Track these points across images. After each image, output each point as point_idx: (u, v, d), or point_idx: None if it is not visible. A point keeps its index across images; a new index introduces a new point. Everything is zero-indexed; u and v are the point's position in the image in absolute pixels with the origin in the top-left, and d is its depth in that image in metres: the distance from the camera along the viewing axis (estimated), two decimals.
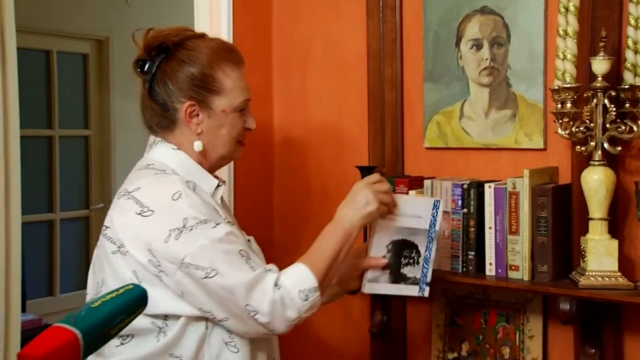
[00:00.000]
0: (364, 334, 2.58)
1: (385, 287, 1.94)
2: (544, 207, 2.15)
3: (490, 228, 2.22)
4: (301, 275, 1.62)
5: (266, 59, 2.80)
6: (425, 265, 1.93)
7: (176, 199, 1.58)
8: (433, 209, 1.88)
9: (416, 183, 2.37)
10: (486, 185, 2.24)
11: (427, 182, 2.35)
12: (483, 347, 2.36)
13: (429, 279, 1.95)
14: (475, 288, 2.37)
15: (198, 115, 1.68)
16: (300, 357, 2.76)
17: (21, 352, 1.24)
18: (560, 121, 2.15)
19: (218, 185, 1.74)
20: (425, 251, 1.89)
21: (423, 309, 2.51)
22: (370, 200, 1.74)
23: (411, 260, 1.89)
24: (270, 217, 2.79)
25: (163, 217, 1.58)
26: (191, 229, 1.56)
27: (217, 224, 1.60)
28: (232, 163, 2.61)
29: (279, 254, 2.74)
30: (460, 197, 2.26)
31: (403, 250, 1.92)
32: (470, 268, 2.24)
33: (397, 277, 1.93)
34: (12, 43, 2.30)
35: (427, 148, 2.48)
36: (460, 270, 2.25)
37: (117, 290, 1.32)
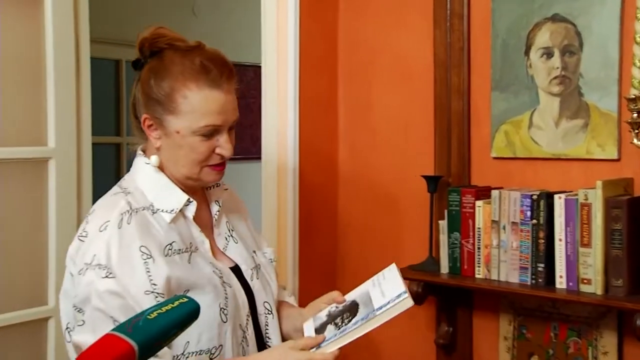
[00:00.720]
0: (430, 345, 2.56)
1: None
2: (618, 220, 2.08)
3: (560, 240, 2.17)
4: None
5: (332, 65, 2.77)
6: (340, 333, 1.51)
7: (102, 230, 1.50)
8: (396, 299, 1.49)
9: (483, 193, 2.33)
10: (556, 196, 2.19)
11: (494, 193, 2.30)
12: None
13: (333, 345, 1.49)
14: (544, 301, 2.32)
15: (156, 129, 1.58)
16: None
17: (81, 357, 1.23)
18: (636, 131, 2.07)
19: (188, 202, 1.60)
20: (355, 323, 1.49)
21: (490, 321, 2.46)
22: None
23: (340, 322, 1.54)
24: (334, 225, 2.78)
25: (86, 247, 1.51)
26: (87, 269, 1.48)
27: (109, 276, 1.47)
28: (296, 171, 2.56)
29: (342, 262, 2.75)
30: (529, 208, 2.21)
31: (345, 312, 1.59)
32: (540, 280, 2.19)
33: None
34: (86, 53, 2.32)
35: (495, 158, 2.44)
36: (529, 282, 2.21)
37: (172, 302, 1.31)
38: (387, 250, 2.68)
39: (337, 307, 1.55)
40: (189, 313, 1.33)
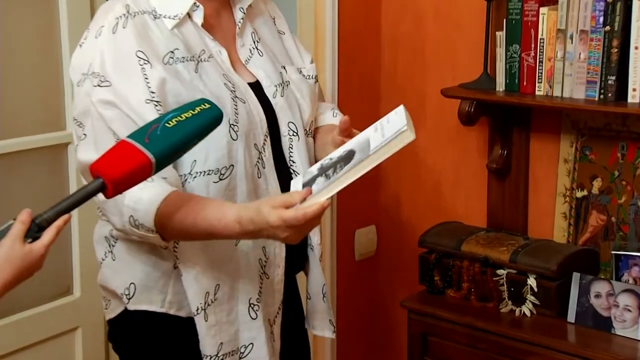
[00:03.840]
0: (481, 170, 2.46)
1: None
2: None
3: (636, 48, 2.00)
4: (146, 208, 1.36)
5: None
6: (330, 180, 1.34)
7: (97, 36, 1.44)
8: (394, 134, 1.32)
9: None
10: None
11: None
12: (618, 184, 2.20)
13: (318, 198, 1.32)
14: (613, 118, 2.19)
15: None
16: (413, 195, 2.67)
17: (93, 166, 1.16)
18: None
19: (196, 7, 1.50)
20: (347, 170, 1.32)
21: (550, 143, 2.34)
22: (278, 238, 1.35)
23: (330, 172, 1.36)
24: (378, 40, 2.65)
25: (83, 55, 1.45)
26: (84, 80, 1.43)
27: (102, 84, 1.40)
28: None
29: (387, 83, 2.64)
30: (602, 13, 2.04)
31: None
32: (609, 95, 2.04)
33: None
34: None
35: None
36: (596, 98, 2.06)
37: (193, 108, 1.23)
38: (437, 68, 2.53)
39: (330, 159, 1.38)
40: (211, 121, 1.26)
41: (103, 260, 1.56)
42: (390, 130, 1.33)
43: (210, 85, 1.46)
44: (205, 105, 1.26)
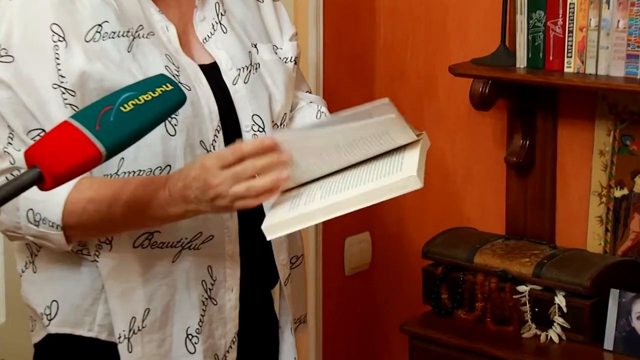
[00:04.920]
0: (499, 165, 2.48)
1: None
2: None
3: None
4: (52, 197, 1.36)
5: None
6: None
7: None
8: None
9: None
10: None
11: None
12: None
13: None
14: None
15: None
16: (415, 194, 2.56)
17: (30, 151, 1.17)
18: None
19: None
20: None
21: (582, 131, 2.37)
22: (216, 200, 1.35)
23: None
24: (372, 9, 2.68)
25: None
26: None
27: (3, 59, 1.40)
28: None
29: (382, 60, 2.65)
30: None
31: None
32: None
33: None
34: None
35: None
36: (638, 76, 2.09)
37: (152, 88, 1.25)
38: (444, 40, 2.54)
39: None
40: (173, 107, 1.29)
41: (23, 272, 1.55)
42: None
43: (145, 67, 1.45)
44: (167, 87, 1.26)
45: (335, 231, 2.59)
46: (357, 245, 2.68)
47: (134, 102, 1.22)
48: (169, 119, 1.43)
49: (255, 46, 1.60)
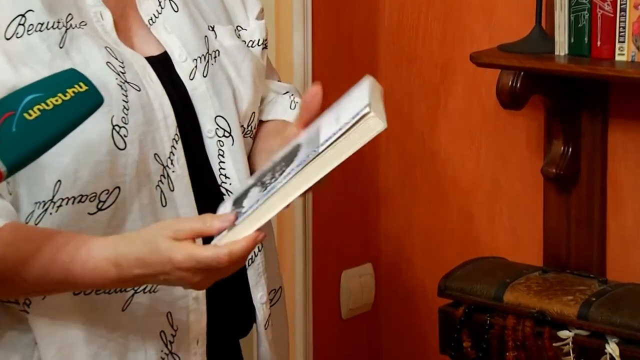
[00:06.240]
0: (534, 178, 2.50)
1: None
2: None
3: None
4: None
5: None
6: (265, 193, 1.41)
7: None
8: (351, 121, 1.36)
9: None
10: None
11: None
12: None
13: (249, 225, 1.39)
14: None
15: None
16: (428, 216, 2.69)
17: None
18: None
19: None
20: (287, 175, 1.40)
21: (639, 134, 2.39)
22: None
23: (268, 179, 1.45)
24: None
25: None
26: None
27: None
28: None
29: (390, 42, 2.69)
30: None
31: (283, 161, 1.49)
32: None
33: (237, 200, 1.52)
34: None
35: None
36: None
37: (62, 89, 1.26)
38: (464, 22, 2.58)
39: (273, 161, 1.43)
40: (87, 111, 1.29)
41: None
42: (348, 115, 1.34)
43: (83, 65, 1.43)
44: (80, 87, 1.25)
45: (329, 262, 2.61)
46: (356, 280, 2.69)
47: (40, 107, 1.22)
48: (117, 128, 1.43)
49: (213, 29, 1.61)
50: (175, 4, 1.59)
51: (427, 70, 2.55)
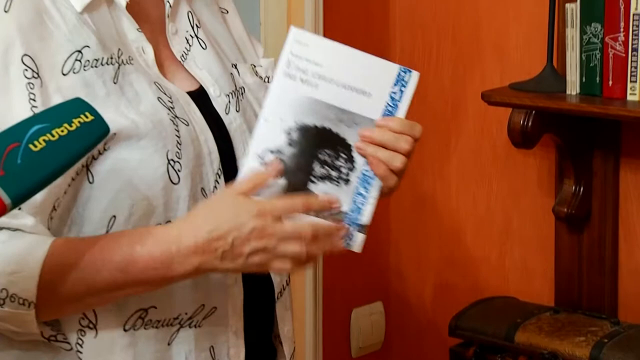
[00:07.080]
0: (546, 217, 2.50)
1: None
2: None
3: None
4: (23, 267, 1.37)
5: None
6: (362, 187, 1.52)
7: None
8: (396, 84, 1.48)
9: None
10: None
11: None
12: None
13: (366, 217, 1.54)
14: None
15: None
16: (438, 255, 2.70)
17: None
18: None
19: None
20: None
21: None
22: (245, 252, 1.41)
23: (333, 173, 1.51)
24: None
25: None
26: None
27: None
28: None
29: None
30: None
31: (320, 147, 1.53)
32: None
33: None
34: None
35: None
36: None
37: (68, 119, 1.25)
38: (476, 59, 2.60)
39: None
40: (93, 142, 1.30)
41: None
42: (388, 79, 1.48)
43: (136, 102, 1.46)
44: (86, 117, 1.25)
45: (339, 300, 2.61)
46: (367, 318, 2.69)
47: (45, 139, 1.21)
48: (172, 162, 1.45)
49: (236, 67, 1.64)
50: (203, 41, 1.60)
51: (438, 108, 2.56)
